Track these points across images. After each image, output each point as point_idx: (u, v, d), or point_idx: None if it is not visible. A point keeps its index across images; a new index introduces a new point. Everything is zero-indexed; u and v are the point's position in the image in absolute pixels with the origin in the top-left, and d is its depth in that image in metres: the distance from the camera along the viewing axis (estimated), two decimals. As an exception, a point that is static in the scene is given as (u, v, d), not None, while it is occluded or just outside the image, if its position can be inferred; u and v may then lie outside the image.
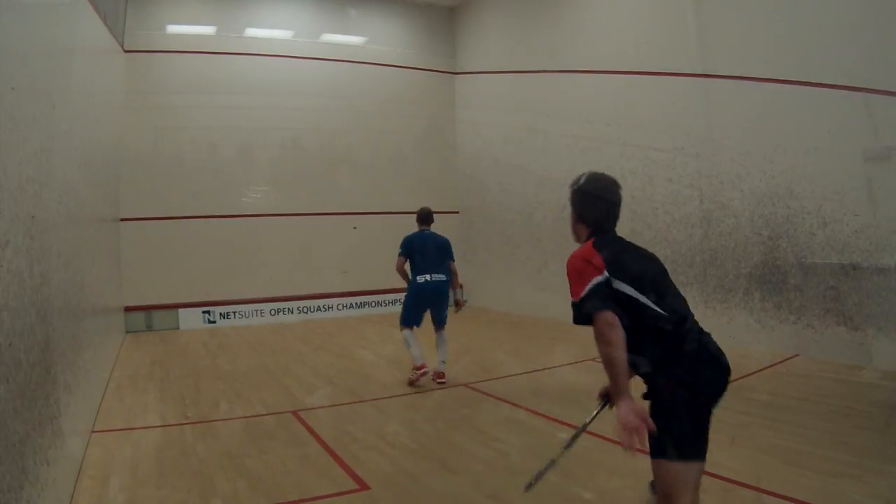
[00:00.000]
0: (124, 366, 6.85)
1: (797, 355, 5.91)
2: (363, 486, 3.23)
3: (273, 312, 10.33)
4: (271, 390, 5.54)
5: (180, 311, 9.86)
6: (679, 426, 1.91)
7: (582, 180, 2.29)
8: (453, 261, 5.73)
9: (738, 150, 6.60)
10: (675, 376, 1.94)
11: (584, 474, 3.28)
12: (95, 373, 5.07)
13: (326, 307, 10.74)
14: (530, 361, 6.38)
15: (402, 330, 5.59)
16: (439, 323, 5.68)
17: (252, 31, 10.63)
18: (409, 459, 3.63)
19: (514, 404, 4.73)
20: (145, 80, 9.78)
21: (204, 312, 10.02)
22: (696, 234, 7.14)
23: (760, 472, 3.10)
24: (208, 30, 10.37)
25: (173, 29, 10.08)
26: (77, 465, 3.55)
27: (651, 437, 1.85)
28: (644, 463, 3.38)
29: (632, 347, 1.88)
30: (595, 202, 2.25)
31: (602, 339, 1.87)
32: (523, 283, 10.23)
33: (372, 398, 5.14)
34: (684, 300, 2.15)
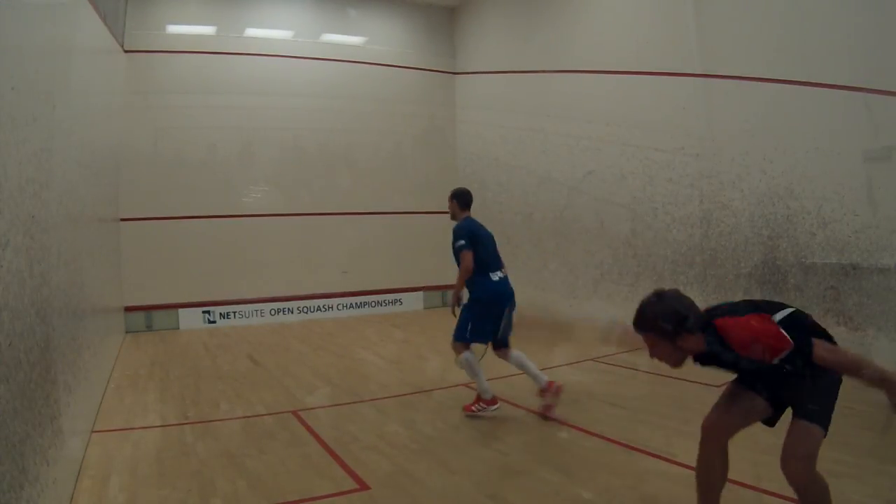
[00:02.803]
0: (124, 366, 6.85)
1: (797, 355, 5.91)
2: (363, 486, 3.23)
3: (273, 312, 10.33)
4: (271, 390, 5.54)
5: (180, 311, 9.86)
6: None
7: None
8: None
9: (738, 150, 6.60)
10: None
11: (584, 474, 3.28)
12: (95, 373, 5.07)
13: (326, 307, 10.74)
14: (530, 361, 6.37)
15: (463, 350, 4.36)
16: (505, 339, 4.58)
17: (252, 31, 10.62)
18: (409, 459, 3.63)
19: (514, 404, 4.73)
20: (145, 80, 9.77)
21: (204, 312, 10.02)
22: (696, 234, 7.14)
23: (760, 472, 3.10)
24: (208, 30, 10.36)
25: (173, 29, 10.07)
26: (77, 465, 3.55)
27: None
28: (644, 463, 3.38)
29: None
30: None
31: None
32: (523, 283, 10.20)
33: (372, 398, 5.14)
34: None
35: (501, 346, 4.51)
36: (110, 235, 7.97)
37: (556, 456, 3.58)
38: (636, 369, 5.78)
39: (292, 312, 10.50)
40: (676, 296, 2.40)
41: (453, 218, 4.76)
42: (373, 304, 11.08)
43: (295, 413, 4.72)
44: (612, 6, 8.52)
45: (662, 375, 5.45)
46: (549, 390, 4.31)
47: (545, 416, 4.31)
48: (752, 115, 6.47)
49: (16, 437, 2.18)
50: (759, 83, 6.30)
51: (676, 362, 2.42)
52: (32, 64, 2.80)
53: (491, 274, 4.47)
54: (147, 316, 9.69)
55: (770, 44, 6.27)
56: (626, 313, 8.68)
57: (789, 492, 2.86)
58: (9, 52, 2.37)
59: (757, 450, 3.45)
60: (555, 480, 3.22)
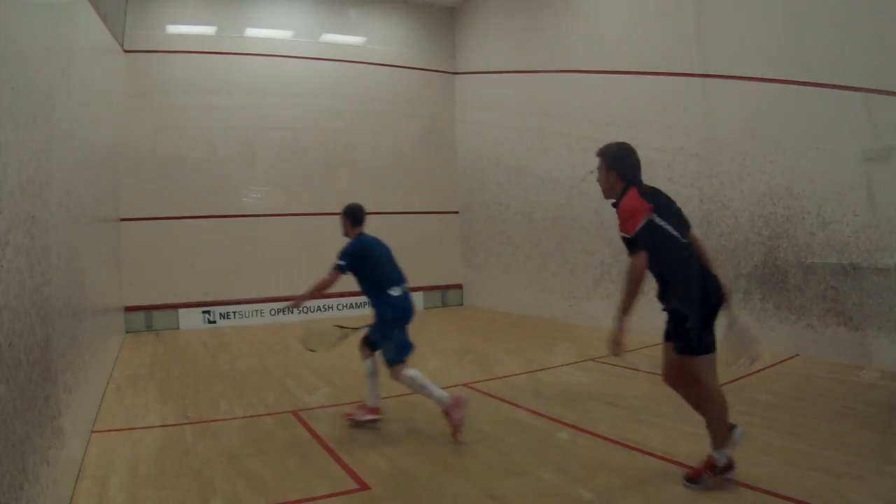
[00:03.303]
0: (124, 366, 6.85)
1: (797, 355, 5.91)
2: (363, 486, 3.23)
3: (273, 312, 10.33)
4: (271, 390, 5.54)
5: (180, 311, 9.86)
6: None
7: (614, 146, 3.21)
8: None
9: (738, 150, 6.60)
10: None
11: (584, 474, 3.28)
12: (95, 373, 5.07)
13: (326, 307, 10.73)
14: (530, 361, 6.37)
15: (402, 371, 4.09)
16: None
17: (252, 31, 10.63)
18: (409, 459, 3.63)
19: (514, 404, 4.73)
20: (145, 80, 9.78)
21: (204, 312, 10.02)
22: (696, 234, 7.13)
23: (760, 472, 3.10)
24: (208, 30, 10.37)
25: (173, 29, 10.08)
26: (77, 465, 3.55)
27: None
28: (644, 463, 3.38)
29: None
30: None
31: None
32: (523, 283, 10.23)
33: (372, 398, 5.13)
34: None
35: (375, 348, 4.34)
36: (110, 235, 7.97)
37: (556, 456, 3.58)
38: (636, 369, 5.77)
39: (292, 312, 10.48)
40: (630, 152, 3.21)
41: (345, 235, 4.68)
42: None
43: (295, 413, 4.72)
44: (612, 6, 8.53)
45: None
46: (377, 411, 4.29)
47: (354, 420, 4.27)
48: (752, 115, 6.47)
49: (16, 437, 2.18)
50: (759, 83, 6.30)
51: (606, 192, 3.19)
52: (32, 64, 2.80)
53: (389, 290, 4.32)
54: (147, 316, 9.69)
55: (770, 44, 6.27)
56: (626, 313, 8.37)
57: (790, 492, 2.87)
58: (9, 52, 2.37)
59: (757, 450, 3.46)
60: (555, 480, 3.22)
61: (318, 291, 4.39)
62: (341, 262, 4.39)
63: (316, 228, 10.73)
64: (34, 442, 2.46)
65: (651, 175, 8.70)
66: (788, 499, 2.79)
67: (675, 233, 3.07)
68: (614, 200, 3.09)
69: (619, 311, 2.93)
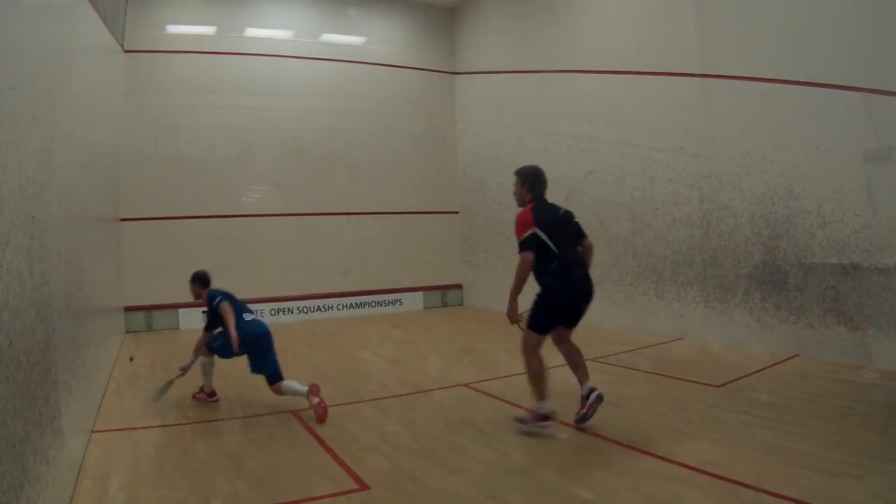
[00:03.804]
0: (124, 366, 6.85)
1: (797, 355, 5.91)
2: (363, 486, 3.23)
3: (273, 312, 10.32)
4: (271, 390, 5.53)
5: (180, 311, 9.85)
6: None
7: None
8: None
9: (738, 150, 6.60)
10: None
11: (584, 474, 3.28)
12: (95, 373, 5.07)
13: (326, 307, 10.74)
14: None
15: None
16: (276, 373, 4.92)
17: (252, 31, 10.62)
18: (409, 459, 3.63)
19: (514, 404, 4.73)
20: (145, 80, 9.78)
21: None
22: (696, 234, 7.14)
23: (760, 472, 3.10)
24: (208, 30, 10.37)
25: (173, 29, 10.07)
26: (77, 465, 3.55)
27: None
28: (644, 463, 3.39)
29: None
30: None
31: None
32: (523, 283, 10.22)
33: (372, 398, 5.14)
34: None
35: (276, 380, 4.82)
36: (110, 235, 7.97)
37: (556, 456, 3.58)
38: (636, 369, 5.78)
39: (292, 312, 10.50)
40: (541, 173, 4.20)
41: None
42: (373, 304, 11.08)
43: (295, 413, 4.72)
44: (612, 6, 8.53)
45: (662, 375, 5.45)
46: (314, 392, 4.59)
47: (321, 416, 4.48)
48: (752, 115, 6.48)
49: (16, 437, 2.18)
50: (759, 83, 6.31)
51: (518, 202, 4.23)
52: (32, 64, 2.80)
53: (244, 315, 5.09)
54: (147, 316, 9.69)
55: (770, 44, 6.27)
56: (626, 313, 8.76)
57: (790, 492, 2.87)
58: (9, 52, 2.37)
59: (757, 450, 3.46)
60: (555, 480, 3.22)
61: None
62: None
63: (316, 228, 10.76)
64: (34, 442, 2.46)
65: (651, 175, 8.77)
66: (788, 499, 2.79)
67: (550, 243, 3.93)
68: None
69: (510, 295, 3.90)
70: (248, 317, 5.10)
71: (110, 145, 7.90)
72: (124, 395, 5.46)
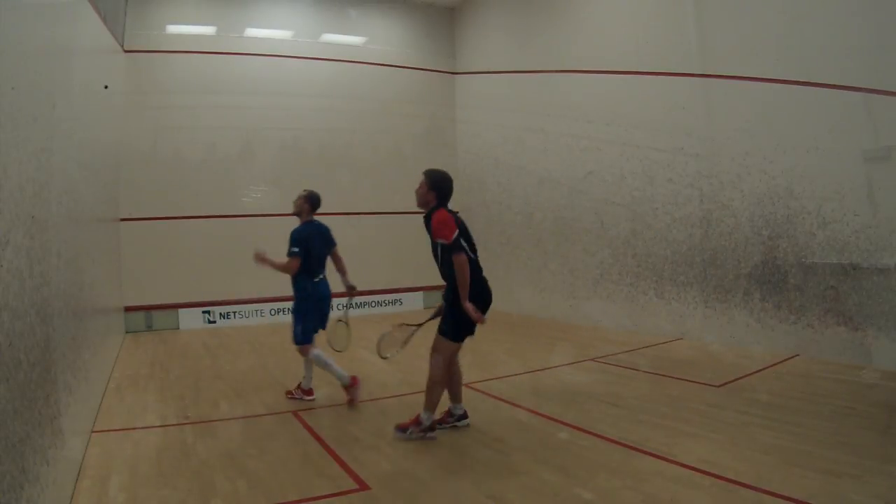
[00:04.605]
0: (124, 366, 6.85)
1: (797, 355, 5.91)
2: (363, 486, 3.23)
3: (273, 312, 10.32)
4: (271, 390, 5.54)
5: (180, 311, 9.86)
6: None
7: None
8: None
9: (738, 150, 6.60)
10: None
11: (584, 474, 3.28)
12: (95, 373, 5.07)
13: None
14: (530, 361, 6.37)
15: (310, 350, 5.12)
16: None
17: (252, 31, 10.63)
18: (409, 459, 3.63)
19: (514, 404, 4.73)
20: (145, 80, 9.78)
21: (204, 312, 10.02)
22: (696, 234, 7.14)
23: (760, 472, 3.10)
24: (208, 30, 10.37)
25: (173, 29, 10.08)
26: (77, 465, 3.55)
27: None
28: (644, 463, 3.39)
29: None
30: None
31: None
32: (523, 283, 10.23)
33: (372, 398, 5.14)
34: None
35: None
36: (110, 235, 7.97)
37: (556, 456, 3.58)
38: (636, 369, 5.78)
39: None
40: (449, 180, 4.07)
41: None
42: (373, 304, 11.07)
43: (295, 413, 4.73)
44: (612, 6, 8.53)
45: (662, 375, 5.45)
46: (353, 385, 4.91)
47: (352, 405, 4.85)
48: (752, 115, 6.48)
49: (16, 437, 2.18)
50: (759, 83, 6.31)
51: (421, 205, 4.09)
52: (32, 64, 2.80)
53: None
54: (147, 316, 9.69)
55: (770, 44, 6.27)
56: (626, 313, 8.73)
57: (790, 492, 2.87)
58: (9, 52, 2.37)
59: (757, 450, 3.46)
60: (555, 480, 3.22)
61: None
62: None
63: (316, 228, 10.75)
64: (34, 442, 2.46)
65: (651, 175, 8.75)
66: (788, 499, 2.79)
67: (468, 249, 3.93)
68: (426, 213, 4.03)
69: (464, 301, 3.81)
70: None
71: (110, 145, 7.90)
72: (124, 395, 5.46)
